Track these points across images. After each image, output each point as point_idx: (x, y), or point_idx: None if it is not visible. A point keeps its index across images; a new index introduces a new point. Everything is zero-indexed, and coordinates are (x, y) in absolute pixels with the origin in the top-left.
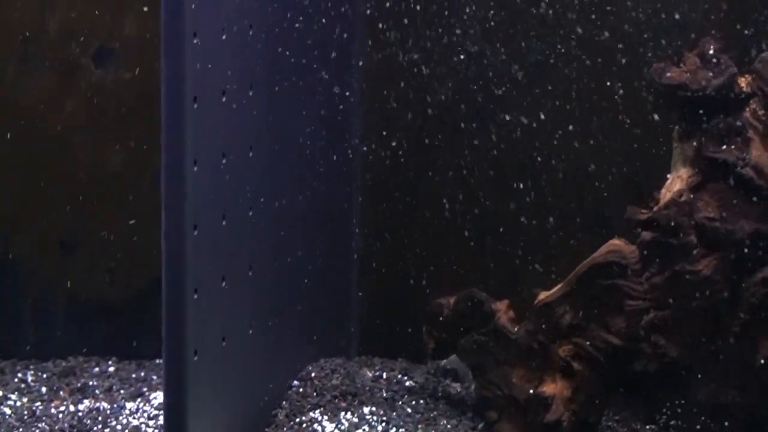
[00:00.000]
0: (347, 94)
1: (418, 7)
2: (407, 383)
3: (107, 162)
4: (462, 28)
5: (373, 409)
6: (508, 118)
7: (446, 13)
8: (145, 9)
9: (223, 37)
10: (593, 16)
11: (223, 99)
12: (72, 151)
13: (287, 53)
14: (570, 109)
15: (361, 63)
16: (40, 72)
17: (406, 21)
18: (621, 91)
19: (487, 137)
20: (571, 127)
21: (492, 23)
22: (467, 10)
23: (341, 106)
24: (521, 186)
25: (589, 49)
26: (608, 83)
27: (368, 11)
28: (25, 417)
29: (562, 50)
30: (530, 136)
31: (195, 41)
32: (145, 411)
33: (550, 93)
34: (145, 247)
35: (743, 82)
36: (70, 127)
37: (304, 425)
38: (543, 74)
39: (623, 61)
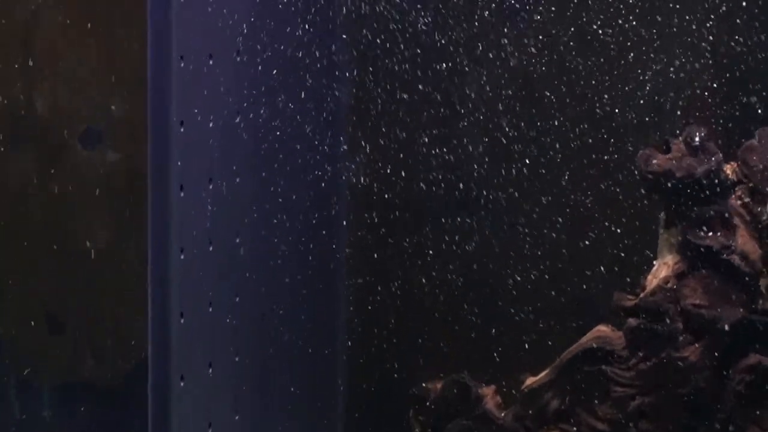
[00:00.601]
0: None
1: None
2: None
3: (94, 241)
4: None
5: None
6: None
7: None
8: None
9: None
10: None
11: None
12: (59, 230)
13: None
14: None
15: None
16: (28, 152)
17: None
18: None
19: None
20: (556, 217)
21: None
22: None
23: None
24: (507, 270)
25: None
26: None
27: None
28: None
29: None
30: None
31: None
32: None
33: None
34: (133, 327)
35: (729, 169)
36: (57, 206)
37: None
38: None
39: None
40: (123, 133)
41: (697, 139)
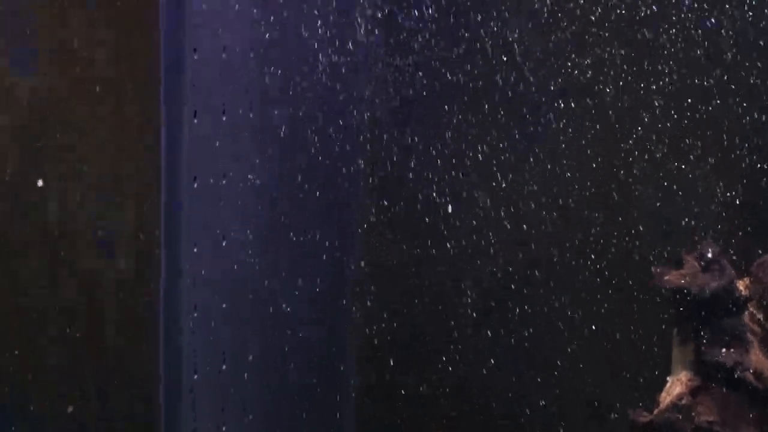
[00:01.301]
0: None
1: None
2: None
3: (107, 347)
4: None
5: None
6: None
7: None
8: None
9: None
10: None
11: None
12: (72, 332)
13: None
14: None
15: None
16: (38, 261)
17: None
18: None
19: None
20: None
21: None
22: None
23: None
24: (520, 376)
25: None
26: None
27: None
28: None
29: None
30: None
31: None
32: None
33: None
34: None
35: (742, 285)
36: (70, 318)
37: None
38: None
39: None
40: (133, 243)
41: (710, 255)
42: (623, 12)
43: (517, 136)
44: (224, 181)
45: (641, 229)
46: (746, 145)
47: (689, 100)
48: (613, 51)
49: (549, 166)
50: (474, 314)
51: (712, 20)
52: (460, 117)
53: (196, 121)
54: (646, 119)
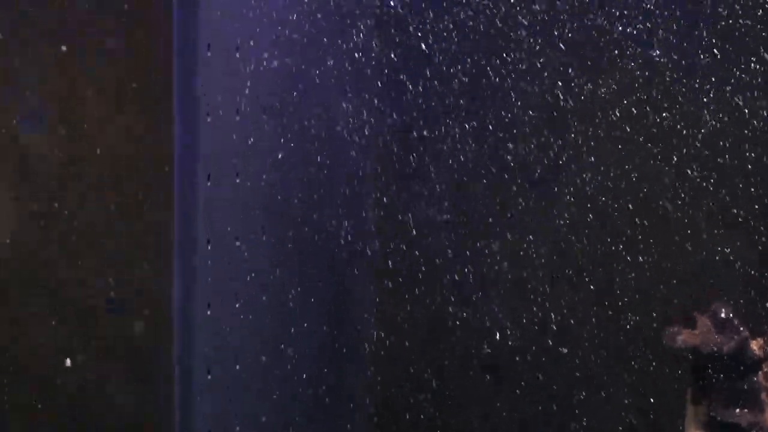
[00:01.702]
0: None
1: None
2: None
3: (120, 404)
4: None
5: None
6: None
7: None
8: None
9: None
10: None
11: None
12: (85, 394)
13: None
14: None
15: None
16: (52, 320)
17: None
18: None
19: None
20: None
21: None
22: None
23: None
24: None
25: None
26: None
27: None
28: None
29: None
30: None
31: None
32: None
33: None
34: None
35: (755, 345)
36: (84, 376)
37: None
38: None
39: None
40: (145, 301)
41: (723, 314)
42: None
43: (527, 193)
44: (238, 243)
45: (653, 288)
46: (756, 206)
47: (698, 160)
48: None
49: (560, 222)
50: (484, 372)
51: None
52: (465, 178)
53: (209, 184)
54: (656, 176)
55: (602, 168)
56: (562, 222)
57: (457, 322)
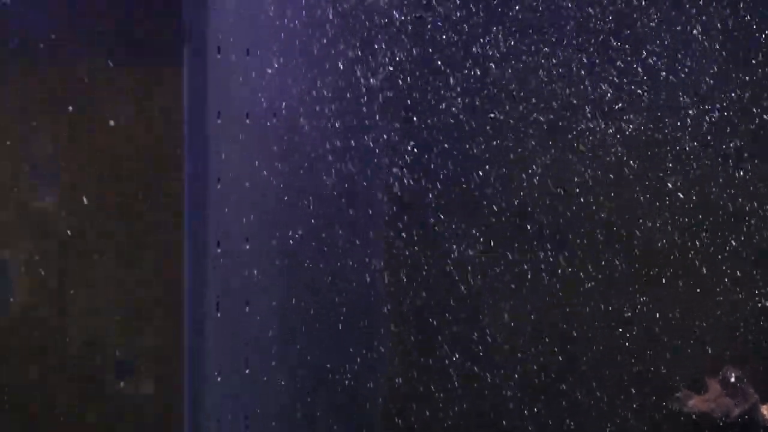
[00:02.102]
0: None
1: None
2: None
3: None
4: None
5: None
6: None
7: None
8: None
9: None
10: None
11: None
12: None
13: None
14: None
15: None
16: (61, 382)
17: None
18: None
19: None
20: None
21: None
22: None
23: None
24: None
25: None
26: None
27: None
28: None
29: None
30: None
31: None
32: None
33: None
34: None
35: (765, 409)
36: None
37: None
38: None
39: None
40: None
41: (733, 379)
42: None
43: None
44: (247, 309)
45: (663, 352)
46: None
47: (706, 223)
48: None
49: (575, 283)
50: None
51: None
52: (478, 235)
53: (219, 250)
54: (662, 240)
55: (608, 228)
56: (573, 279)
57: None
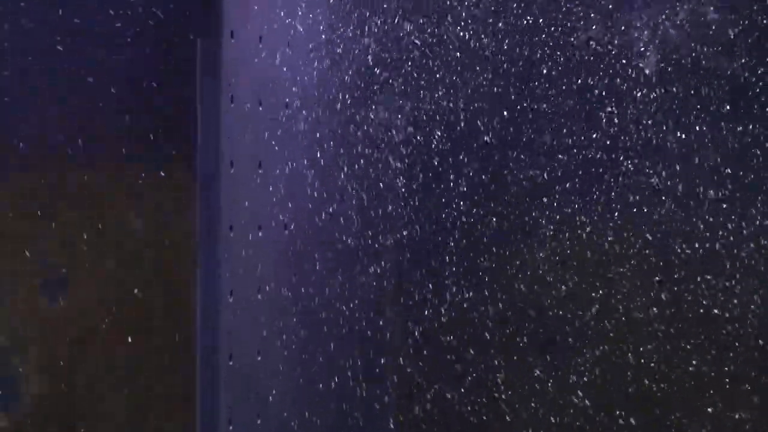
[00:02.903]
0: None
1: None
2: None
3: None
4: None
5: None
6: None
7: None
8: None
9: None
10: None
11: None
12: None
13: None
14: None
15: None
16: None
17: None
18: None
19: None
20: None
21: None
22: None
23: None
24: None
25: None
26: None
27: None
28: None
29: None
30: None
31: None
32: None
33: None
34: None
35: None
36: None
37: None
38: None
39: None
40: None
41: None
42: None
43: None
44: (259, 421)
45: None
46: None
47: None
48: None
49: (594, 373)
50: None
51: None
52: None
53: (231, 363)
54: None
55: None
56: (594, 368)
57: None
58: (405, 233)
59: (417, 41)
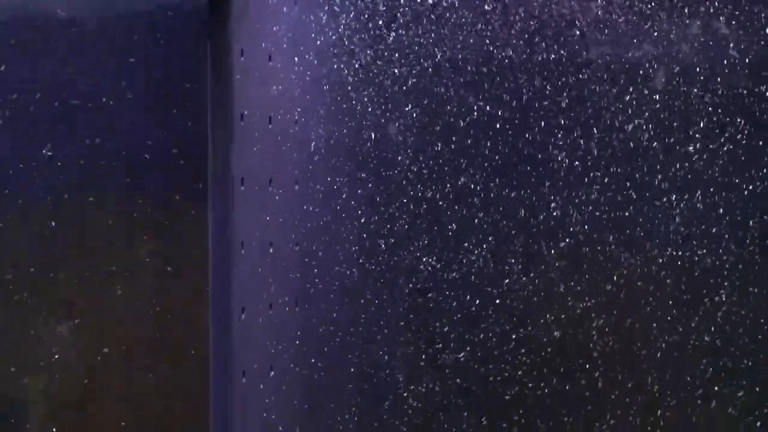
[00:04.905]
0: None
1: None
2: None
3: None
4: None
5: None
6: None
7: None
8: None
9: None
10: None
11: None
12: None
13: None
14: None
15: None
16: None
17: None
18: None
19: None
20: None
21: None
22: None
23: None
24: None
25: None
26: None
27: None
28: None
29: None
30: None
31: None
32: None
33: None
34: None
35: None
36: None
37: None
38: None
39: None
40: None
41: None
42: None
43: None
44: None
45: None
46: None
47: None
48: None
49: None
50: None
51: None
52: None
53: (244, 380)
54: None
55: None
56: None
57: None
58: (419, 245)
59: (429, 58)
